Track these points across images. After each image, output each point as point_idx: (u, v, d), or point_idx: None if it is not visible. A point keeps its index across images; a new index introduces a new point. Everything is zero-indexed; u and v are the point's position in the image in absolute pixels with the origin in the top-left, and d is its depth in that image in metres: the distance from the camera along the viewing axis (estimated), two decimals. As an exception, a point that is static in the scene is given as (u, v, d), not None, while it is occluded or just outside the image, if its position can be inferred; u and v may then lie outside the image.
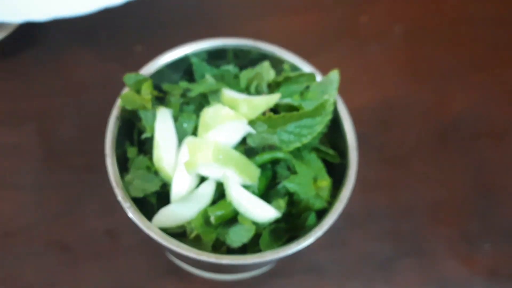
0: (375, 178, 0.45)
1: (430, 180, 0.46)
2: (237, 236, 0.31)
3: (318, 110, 0.31)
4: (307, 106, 0.33)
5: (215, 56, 0.38)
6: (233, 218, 0.32)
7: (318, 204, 0.33)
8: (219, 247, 0.32)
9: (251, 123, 0.32)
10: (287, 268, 0.41)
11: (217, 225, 0.32)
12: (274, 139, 0.32)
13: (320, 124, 0.31)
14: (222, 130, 0.31)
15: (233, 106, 0.32)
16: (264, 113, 0.33)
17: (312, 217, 0.33)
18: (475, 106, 0.51)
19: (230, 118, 0.31)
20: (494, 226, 0.45)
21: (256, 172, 0.32)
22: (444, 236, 0.44)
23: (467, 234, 0.44)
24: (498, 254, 0.43)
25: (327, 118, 0.31)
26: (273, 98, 0.33)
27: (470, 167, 0.47)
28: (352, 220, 0.43)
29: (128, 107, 0.33)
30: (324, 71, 0.37)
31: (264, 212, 0.31)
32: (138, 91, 0.34)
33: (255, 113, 0.32)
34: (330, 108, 0.31)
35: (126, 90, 0.35)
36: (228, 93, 0.33)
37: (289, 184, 0.32)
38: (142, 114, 0.34)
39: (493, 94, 0.52)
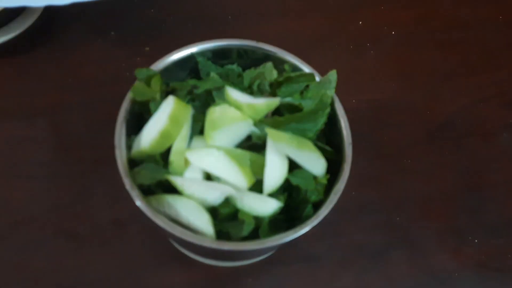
0: (368, 174, 0.48)
1: (421, 176, 0.48)
2: (238, 230, 0.33)
3: (318, 108, 0.33)
4: (307, 104, 0.35)
5: (219, 56, 0.40)
6: (236, 213, 0.34)
7: (315, 197, 0.35)
8: (222, 237, 0.34)
9: (256, 124, 0.34)
10: (285, 257, 0.43)
11: (222, 219, 0.34)
12: None
13: (322, 118, 0.33)
14: (229, 130, 0.34)
15: (237, 108, 0.34)
16: (266, 115, 0.35)
17: (309, 209, 0.35)
18: (465, 107, 0.53)
19: (236, 119, 0.33)
20: (482, 221, 0.47)
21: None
22: (434, 229, 0.46)
23: (456, 228, 0.46)
24: (486, 248, 0.45)
25: (327, 110, 0.33)
26: (274, 102, 0.35)
27: (460, 164, 0.49)
28: (346, 213, 0.45)
29: (138, 99, 0.35)
30: (321, 72, 0.39)
31: (267, 205, 0.34)
32: (148, 85, 0.36)
33: (257, 117, 0.34)
34: (328, 101, 0.33)
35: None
36: (232, 95, 0.35)
37: (292, 178, 0.34)
38: (152, 105, 0.35)
39: (483, 96, 0.54)
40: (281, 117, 0.33)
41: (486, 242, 0.46)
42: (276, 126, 0.34)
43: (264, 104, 0.34)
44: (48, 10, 0.52)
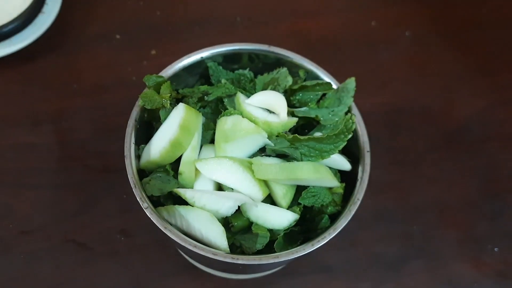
0: (385, 180, 0.46)
1: (439, 182, 0.47)
2: (252, 243, 0.32)
3: (341, 132, 0.31)
4: (324, 114, 0.33)
5: (230, 60, 0.39)
6: (250, 225, 0.33)
7: (331, 208, 0.34)
8: (235, 250, 0.33)
9: (270, 137, 0.33)
10: (299, 268, 0.42)
11: (235, 232, 0.33)
12: (296, 154, 0.32)
13: (342, 142, 0.32)
14: (242, 143, 0.32)
15: (251, 121, 0.33)
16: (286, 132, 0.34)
17: (325, 220, 0.34)
18: (483, 109, 0.52)
19: (251, 132, 0.32)
20: (502, 229, 0.45)
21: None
22: (453, 238, 0.44)
23: (476, 236, 0.45)
24: (506, 257, 0.44)
25: (349, 136, 0.32)
26: (291, 122, 0.34)
27: (478, 170, 0.48)
28: (362, 221, 0.44)
29: (148, 106, 0.34)
30: (335, 75, 0.38)
31: (282, 218, 0.32)
32: (157, 92, 0.35)
33: (272, 133, 0.33)
34: (352, 126, 0.31)
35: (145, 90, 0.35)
36: (247, 109, 0.34)
37: (303, 200, 0.32)
38: (162, 113, 0.34)
39: (501, 98, 0.53)
40: (302, 136, 0.32)
41: (506, 251, 0.44)
42: (295, 142, 0.32)
43: (280, 124, 0.33)
44: (58, 21, 0.51)
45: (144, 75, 0.36)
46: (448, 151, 0.49)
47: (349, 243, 0.43)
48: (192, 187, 0.33)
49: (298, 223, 0.33)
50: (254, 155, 0.34)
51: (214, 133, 0.34)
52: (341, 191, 0.34)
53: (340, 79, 0.37)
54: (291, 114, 0.35)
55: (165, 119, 0.34)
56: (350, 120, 0.31)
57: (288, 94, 0.36)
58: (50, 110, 0.48)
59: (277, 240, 0.32)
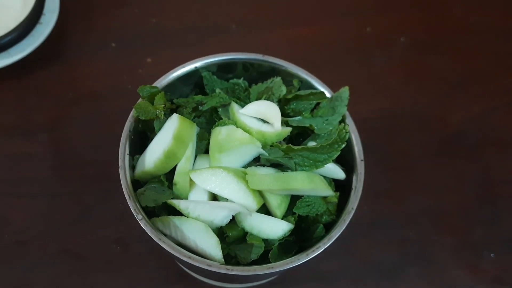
0: (380, 187, 0.46)
1: (434, 189, 0.47)
2: (247, 253, 0.32)
3: (334, 142, 0.31)
4: (318, 123, 0.33)
5: (224, 70, 0.39)
6: (244, 235, 0.33)
7: (326, 218, 0.34)
8: (229, 260, 0.33)
9: (265, 147, 0.33)
10: (295, 276, 0.42)
11: (230, 242, 0.33)
12: (290, 163, 0.32)
13: (336, 152, 0.32)
14: (236, 153, 0.32)
15: (246, 131, 0.33)
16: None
17: (320, 229, 0.34)
18: (478, 115, 0.52)
19: (245, 142, 0.32)
20: (499, 235, 0.45)
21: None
22: (449, 244, 0.44)
23: (472, 242, 0.45)
24: (503, 263, 0.44)
25: (342, 146, 0.32)
26: (285, 132, 0.34)
27: (474, 176, 0.48)
28: (358, 228, 0.43)
29: (142, 117, 0.34)
30: (330, 81, 0.38)
31: (277, 227, 0.32)
32: (151, 103, 0.35)
33: (267, 143, 0.33)
34: (346, 136, 0.31)
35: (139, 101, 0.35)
36: (241, 118, 0.34)
37: (298, 210, 0.32)
38: (156, 124, 0.34)
39: (496, 104, 0.53)
40: (296, 146, 0.32)
41: (502, 256, 0.44)
42: (289, 152, 0.32)
43: (274, 134, 0.33)
44: (55, 31, 0.51)
45: (140, 83, 0.36)
46: (444, 157, 0.49)
47: (345, 250, 0.43)
48: (186, 198, 0.33)
49: (293, 232, 0.33)
50: (248, 165, 0.34)
51: (208, 143, 0.34)
52: (336, 200, 0.34)
53: (336, 85, 0.37)
54: (285, 123, 0.35)
55: (159, 129, 0.34)
56: (344, 130, 0.31)
57: (282, 103, 0.36)
58: (46, 119, 0.48)
59: (272, 251, 0.32)
